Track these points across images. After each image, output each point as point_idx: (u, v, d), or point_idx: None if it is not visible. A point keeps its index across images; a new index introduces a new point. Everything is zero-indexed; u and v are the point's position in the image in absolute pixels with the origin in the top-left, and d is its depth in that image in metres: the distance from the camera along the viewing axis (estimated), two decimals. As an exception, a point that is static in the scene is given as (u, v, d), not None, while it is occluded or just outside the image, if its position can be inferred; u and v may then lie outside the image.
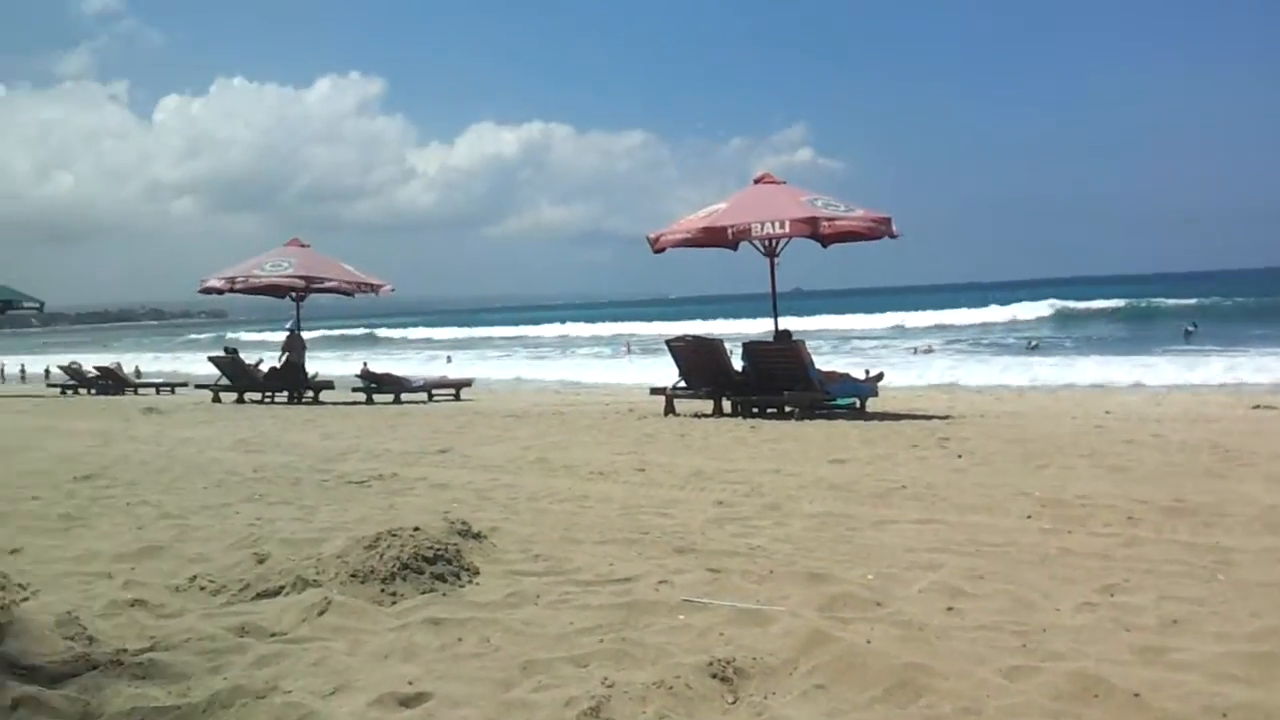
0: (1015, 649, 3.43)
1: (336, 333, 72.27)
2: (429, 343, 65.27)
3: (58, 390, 25.89)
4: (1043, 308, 55.49)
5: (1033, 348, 35.28)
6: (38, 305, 27.12)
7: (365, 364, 22.17)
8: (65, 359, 31.90)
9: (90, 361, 29.12)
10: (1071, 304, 56.96)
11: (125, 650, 3.49)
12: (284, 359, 20.06)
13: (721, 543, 5.19)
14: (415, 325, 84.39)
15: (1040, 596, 4.09)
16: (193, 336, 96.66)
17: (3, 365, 40.58)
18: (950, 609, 3.91)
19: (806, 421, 12.20)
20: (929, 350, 35.62)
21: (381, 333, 75.17)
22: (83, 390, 25.44)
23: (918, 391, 19.04)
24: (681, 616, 3.83)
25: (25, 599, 4.23)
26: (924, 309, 59.28)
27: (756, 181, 14.33)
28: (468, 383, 21.06)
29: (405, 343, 67.36)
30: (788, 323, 15.34)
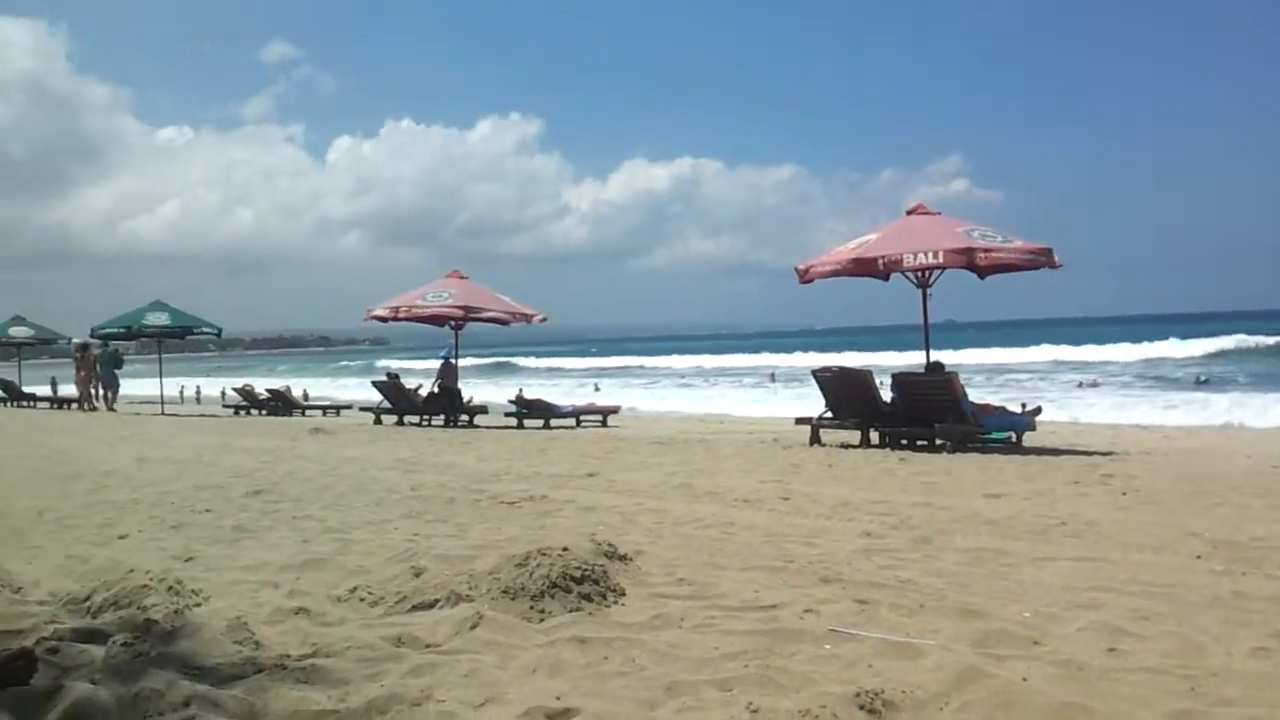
0: (1182, 693, 3.25)
1: (489, 360, 74.13)
2: (576, 371, 66.21)
3: (232, 411, 27.32)
4: (1225, 342, 52.34)
5: (1202, 383, 33.41)
6: (216, 331, 28.71)
7: (520, 390, 22.68)
8: (238, 382, 33.65)
9: (260, 385, 30.61)
10: (1246, 339, 53.69)
11: (289, 655, 3.65)
12: (438, 384, 20.75)
13: (869, 574, 5.08)
14: (564, 355, 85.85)
15: (1210, 640, 3.85)
16: (345, 363, 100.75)
17: (182, 387, 43.12)
18: (1112, 650, 3.73)
19: (959, 455, 11.85)
20: (1094, 384, 34.04)
21: (530, 361, 76.66)
22: (254, 411, 26.76)
23: (1078, 427, 18.27)
24: (828, 646, 3.76)
25: (198, 604, 4.48)
26: (1084, 343, 56.88)
27: (910, 213, 14.04)
28: (614, 409, 21.27)
29: (554, 371, 68.52)
30: (939, 355, 14.94)
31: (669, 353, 77.82)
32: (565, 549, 4.77)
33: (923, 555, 5.62)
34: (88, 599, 4.51)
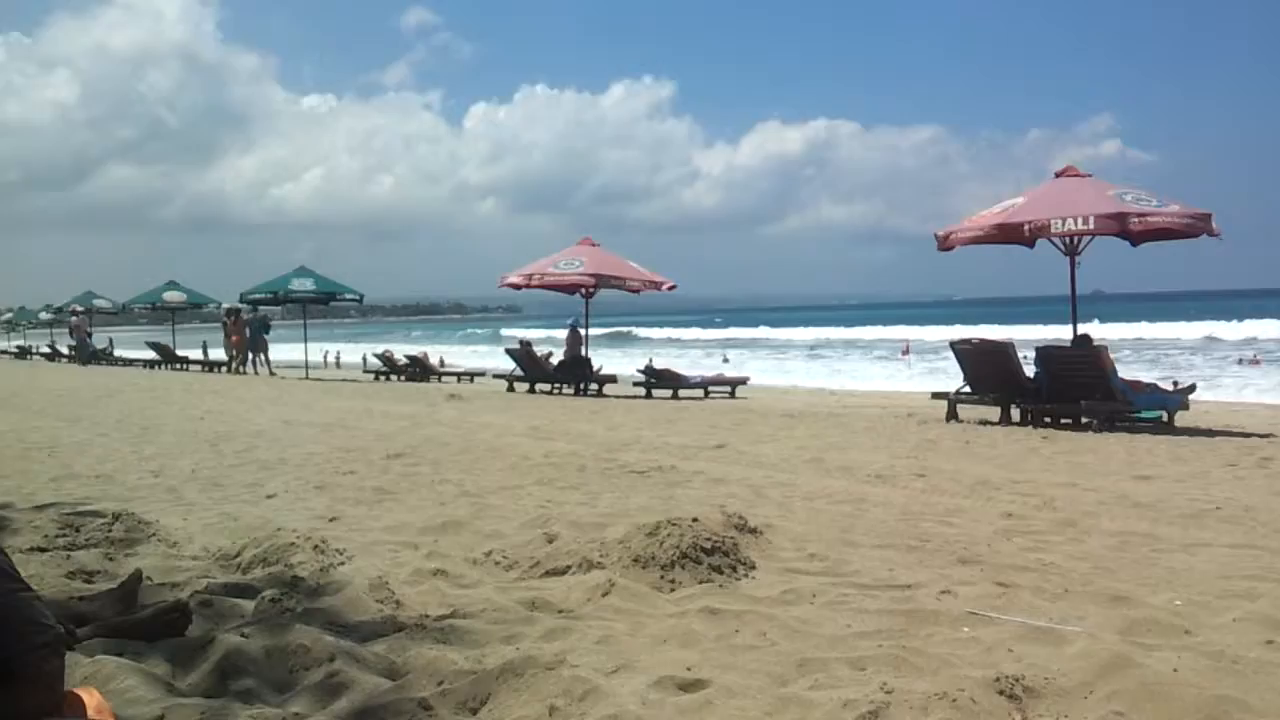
0: (1353, 694, 3.06)
1: (615, 330, 74.71)
2: (703, 342, 66.14)
3: (372, 376, 28.26)
4: None
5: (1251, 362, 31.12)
6: (358, 297, 29.70)
7: (650, 360, 22.82)
8: (378, 347, 34.71)
9: (399, 351, 31.51)
10: None
11: (428, 616, 3.76)
12: (567, 353, 21.07)
13: (1010, 556, 4.95)
14: (691, 325, 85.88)
15: (1385, 639, 3.62)
16: (472, 330, 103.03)
17: (325, 352, 44.79)
18: (1270, 642, 3.54)
19: (1106, 434, 11.40)
20: (1255, 362, 31.86)
21: (656, 331, 76.94)
22: (394, 376, 27.61)
23: (1235, 407, 17.35)
24: (966, 629, 3.68)
25: (341, 563, 4.66)
26: (1244, 317, 53.86)
27: (1058, 175, 13.47)
28: (743, 381, 21.20)
29: (679, 342, 68.61)
30: (1086, 328, 14.35)
31: (799, 324, 77.10)
32: (695, 520, 4.78)
33: (1067, 538, 5.44)
34: (238, 555, 4.74)
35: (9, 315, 61.09)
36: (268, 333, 30.07)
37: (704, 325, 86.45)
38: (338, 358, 43.91)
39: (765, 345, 58.51)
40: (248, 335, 29.79)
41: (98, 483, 7.37)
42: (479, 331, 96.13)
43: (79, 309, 39.16)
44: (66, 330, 40.10)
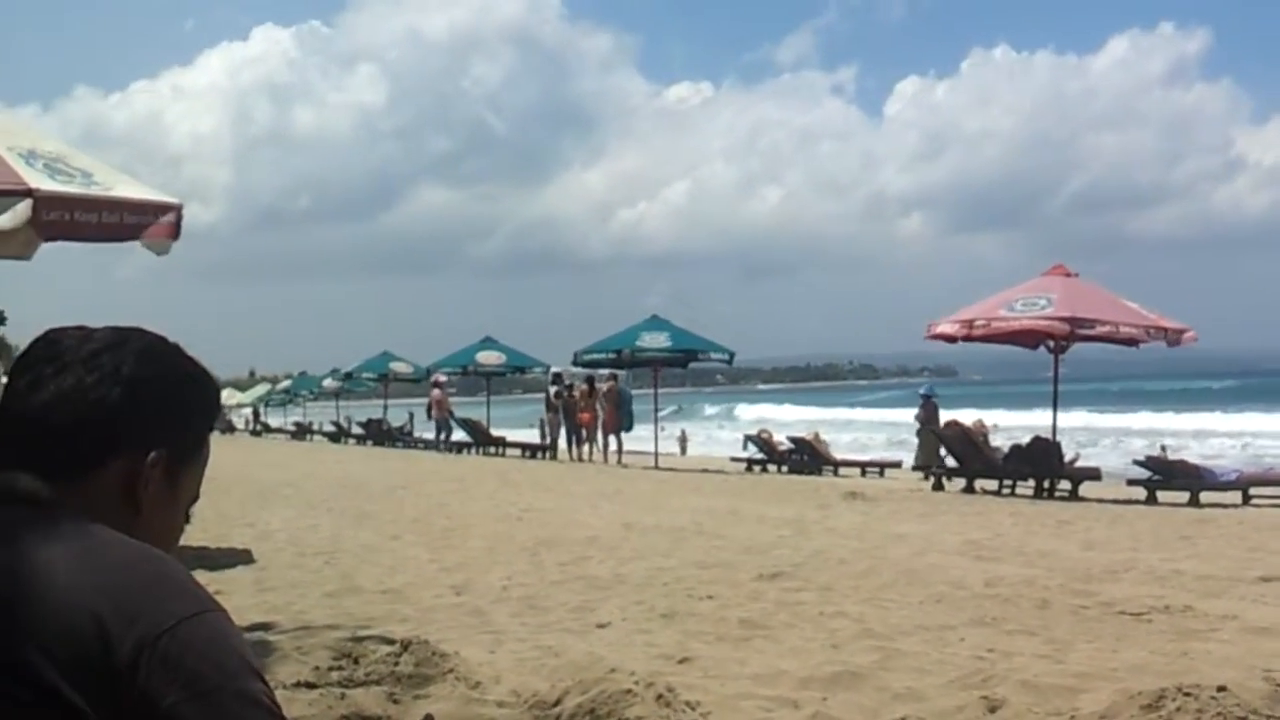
0: None
1: (1093, 399, 71.86)
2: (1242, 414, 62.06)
3: (744, 467, 28.91)
4: None
5: None
6: (726, 356, 30.53)
7: (1163, 448, 21.80)
8: (747, 422, 35.49)
9: (782, 428, 32.03)
10: None
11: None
12: (1033, 438, 20.53)
13: None
14: (1218, 393, 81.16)
15: None
16: (883, 397, 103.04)
17: (682, 431, 46.42)
18: None
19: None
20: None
21: (1174, 404, 73.20)
22: (771, 467, 28.11)
23: None
24: None
25: (696, 722, 4.76)
26: None
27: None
28: (1308, 480, 19.67)
29: (1210, 427, 64.75)
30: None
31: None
32: (1222, 689, 4.49)
33: None
34: (557, 704, 4.97)
35: (287, 383, 68.32)
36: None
37: (1245, 393, 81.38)
38: (682, 440, 45.16)
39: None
40: (600, 410, 30.40)
41: (385, 600, 8.03)
42: (891, 400, 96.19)
43: (441, 377, 39.04)
44: (425, 409, 40.30)
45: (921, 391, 21.87)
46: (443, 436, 37.78)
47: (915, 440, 25.95)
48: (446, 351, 40.14)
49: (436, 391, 38.06)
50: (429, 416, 39.05)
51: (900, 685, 5.48)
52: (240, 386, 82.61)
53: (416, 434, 43.17)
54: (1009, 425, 31.86)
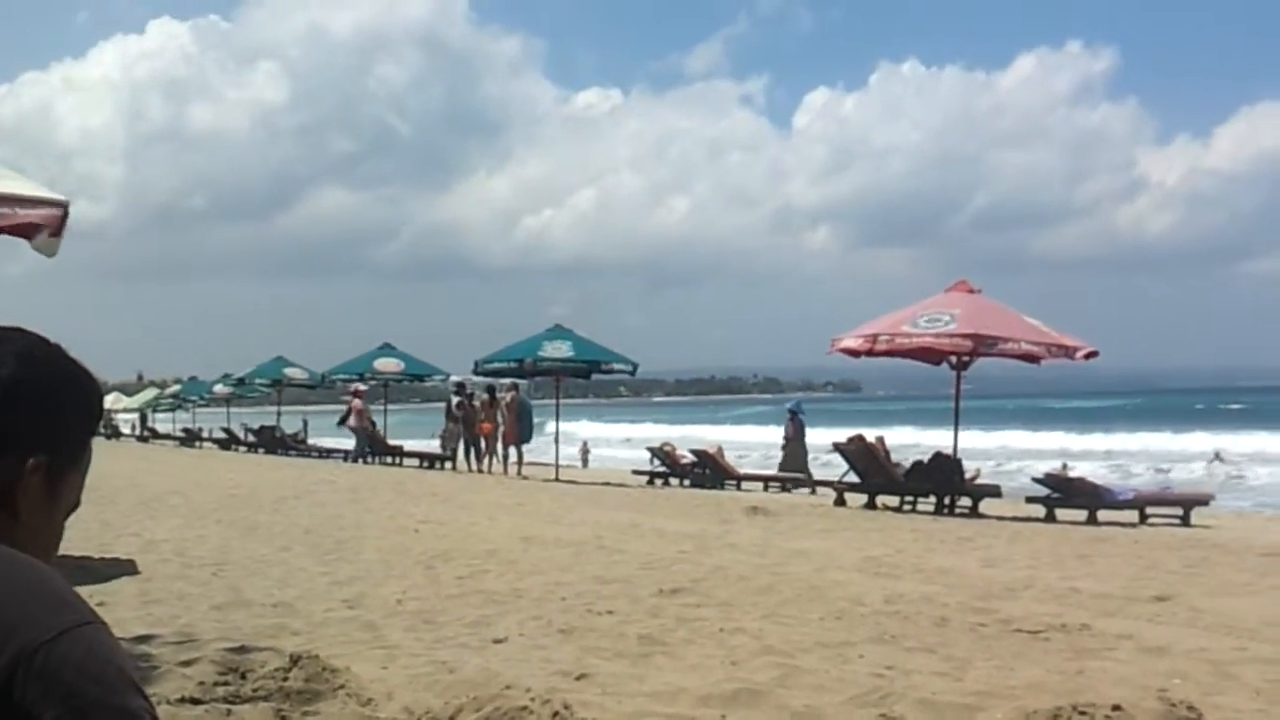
0: None
1: (994, 412, 72.90)
2: (1138, 432, 63.28)
3: (645, 480, 28.95)
4: None
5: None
6: (629, 368, 30.56)
7: (1065, 465, 22.15)
8: (650, 435, 35.55)
9: (681, 437, 32.10)
10: None
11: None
12: (936, 455, 20.77)
13: None
14: (1120, 411, 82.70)
15: None
16: (742, 411, 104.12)
17: (584, 444, 46.44)
18: None
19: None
20: None
21: (1066, 419, 74.49)
22: (674, 480, 28.17)
23: None
24: None
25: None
26: None
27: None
28: (1204, 500, 20.08)
29: (1109, 431, 65.99)
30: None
31: (1295, 411, 72.50)
32: (1117, 708, 4.57)
33: None
34: None
35: (176, 388, 67.33)
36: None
37: (1144, 410, 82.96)
38: (584, 452, 45.21)
39: (1251, 438, 55.02)
40: (501, 420, 30.18)
41: (274, 613, 7.93)
42: (745, 412, 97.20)
43: (359, 386, 37.56)
44: (339, 418, 37.96)
45: (788, 407, 22.42)
46: (358, 450, 36.16)
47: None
48: (344, 358, 39.89)
49: (357, 401, 36.92)
50: (341, 424, 37.69)
51: (799, 703, 5.51)
52: (127, 391, 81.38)
53: (313, 441, 42.83)
54: (910, 442, 32.23)
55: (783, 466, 27.03)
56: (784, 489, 26.28)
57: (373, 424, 36.83)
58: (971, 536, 14.86)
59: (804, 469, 25.11)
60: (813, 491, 22.09)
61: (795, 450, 25.24)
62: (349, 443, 37.35)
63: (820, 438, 27.13)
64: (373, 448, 36.02)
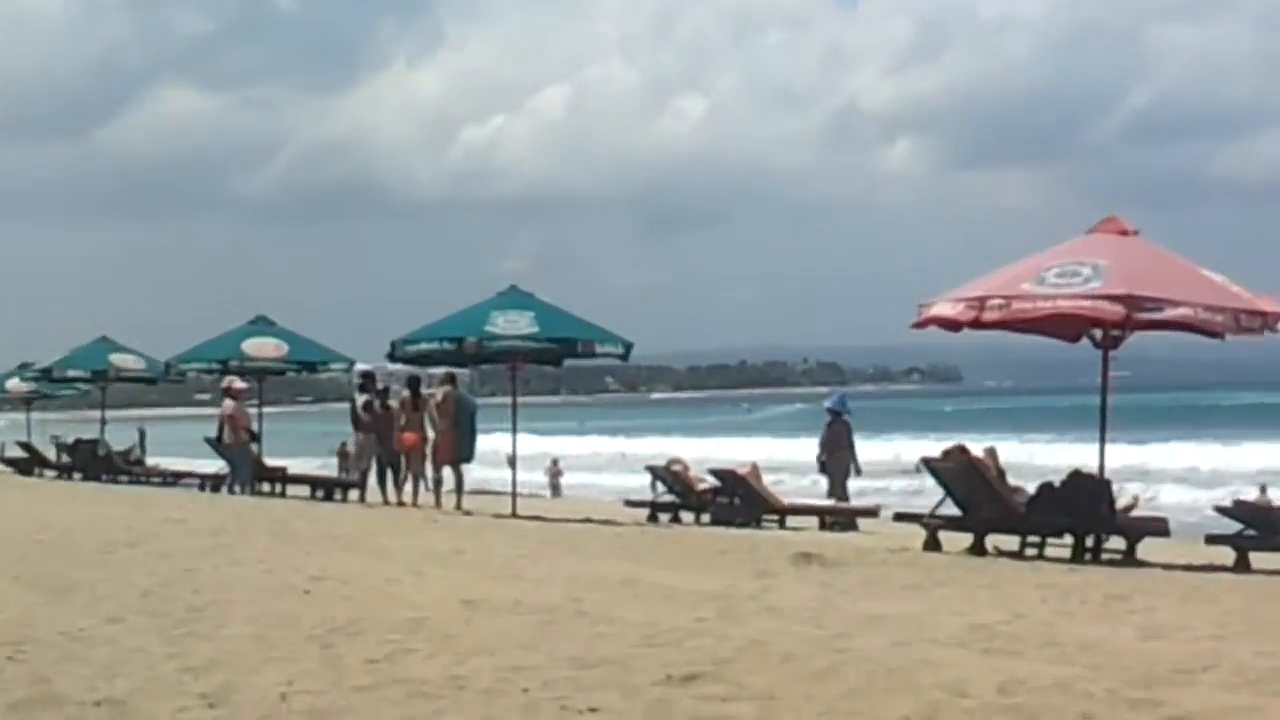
0: None
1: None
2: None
3: (644, 515, 28.80)
4: None
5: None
6: (621, 350, 30.08)
7: (1263, 488, 22.06)
8: (648, 447, 35.42)
9: (699, 456, 31.80)
10: None
11: None
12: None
13: None
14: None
15: None
16: (783, 412, 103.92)
17: (555, 464, 46.48)
18: None
19: None
20: None
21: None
22: (686, 515, 27.97)
23: None
24: None
25: None
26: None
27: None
28: None
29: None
30: None
31: None
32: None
33: None
34: None
35: None
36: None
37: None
38: (554, 474, 45.14)
39: None
40: (456, 429, 29.46)
41: (99, 715, 7.90)
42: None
43: (236, 382, 36.79)
44: (217, 428, 36.54)
45: (828, 405, 22.13)
46: (240, 478, 35.06)
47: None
48: (199, 338, 39.60)
49: (230, 403, 35.96)
50: (219, 442, 36.32)
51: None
52: None
53: (153, 462, 42.69)
54: (1035, 458, 32.10)
55: (831, 492, 27.10)
56: (850, 526, 26.24)
57: (252, 436, 35.98)
58: (1126, 594, 14.85)
59: (841, 492, 25.19)
60: (853, 527, 22.16)
61: (841, 465, 25.30)
62: (214, 464, 36.93)
63: (897, 450, 26.96)
64: (243, 470, 35.52)
